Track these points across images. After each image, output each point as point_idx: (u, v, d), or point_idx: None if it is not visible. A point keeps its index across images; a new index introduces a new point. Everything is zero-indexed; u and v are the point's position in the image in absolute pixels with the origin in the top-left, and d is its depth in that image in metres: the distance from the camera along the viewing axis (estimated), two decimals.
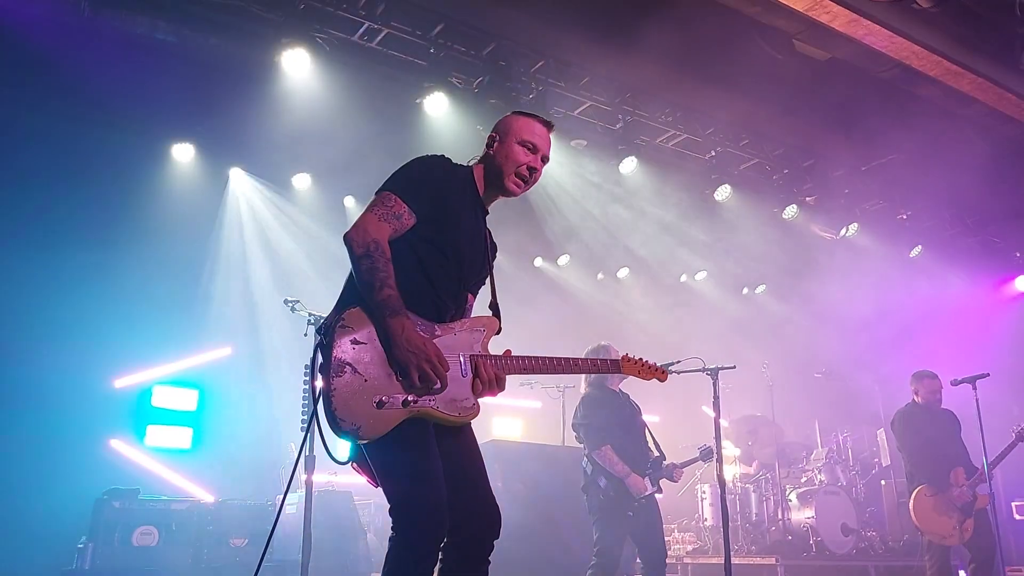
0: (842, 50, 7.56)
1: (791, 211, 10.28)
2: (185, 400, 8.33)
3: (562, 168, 8.97)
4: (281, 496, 3.17)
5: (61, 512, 6.63)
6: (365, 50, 7.19)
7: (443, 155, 2.92)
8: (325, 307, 4.74)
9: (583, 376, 5.96)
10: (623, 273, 11.67)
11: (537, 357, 2.83)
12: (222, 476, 7.81)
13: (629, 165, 9.00)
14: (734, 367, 5.42)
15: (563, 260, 11.15)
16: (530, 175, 2.90)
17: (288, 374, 6.83)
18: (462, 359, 2.67)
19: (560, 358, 2.87)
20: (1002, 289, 11.71)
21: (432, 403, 2.57)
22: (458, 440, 2.71)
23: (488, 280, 2.98)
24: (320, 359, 2.53)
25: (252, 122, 7.27)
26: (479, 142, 8.35)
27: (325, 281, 7.89)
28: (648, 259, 10.95)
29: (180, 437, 8.22)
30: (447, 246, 2.76)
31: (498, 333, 2.82)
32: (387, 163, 8.21)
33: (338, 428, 2.45)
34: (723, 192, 9.80)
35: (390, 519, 2.56)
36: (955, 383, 6.54)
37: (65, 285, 7.29)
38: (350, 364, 2.49)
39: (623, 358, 3.16)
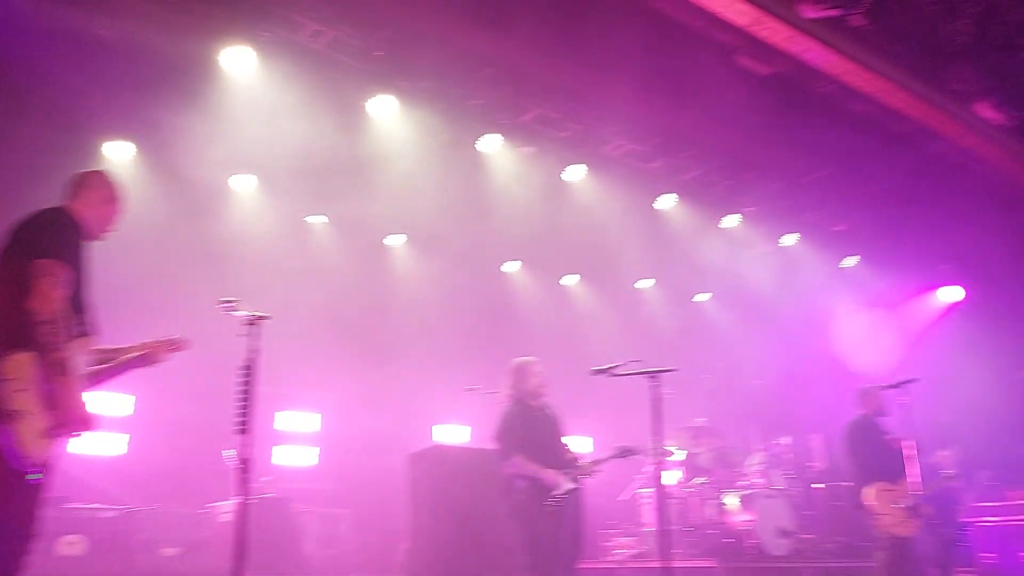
0: (782, 65, 7.75)
1: (733, 221, 10.51)
2: (122, 406, 8.11)
3: (511, 175, 8.99)
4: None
5: None
6: (311, 51, 7.14)
7: (60, 207, 3.50)
8: (263, 307, 4.68)
9: (503, 389, 6.08)
10: (570, 280, 11.76)
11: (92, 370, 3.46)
12: (156, 483, 7.60)
13: (576, 173, 9.10)
14: (675, 370, 5.48)
15: (512, 266, 11.18)
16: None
17: (223, 378, 6.66)
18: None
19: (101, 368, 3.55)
20: (929, 299, 12.14)
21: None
22: None
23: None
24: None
25: (193, 120, 7.12)
26: (426, 146, 8.32)
27: (264, 283, 7.78)
28: (595, 266, 11.05)
29: (115, 443, 8.00)
30: (75, 288, 3.28)
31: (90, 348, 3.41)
32: (333, 164, 8.16)
33: (21, 463, 2.95)
34: (668, 201, 9.98)
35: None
36: (885, 388, 6.85)
37: None
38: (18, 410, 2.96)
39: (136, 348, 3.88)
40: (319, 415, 9.94)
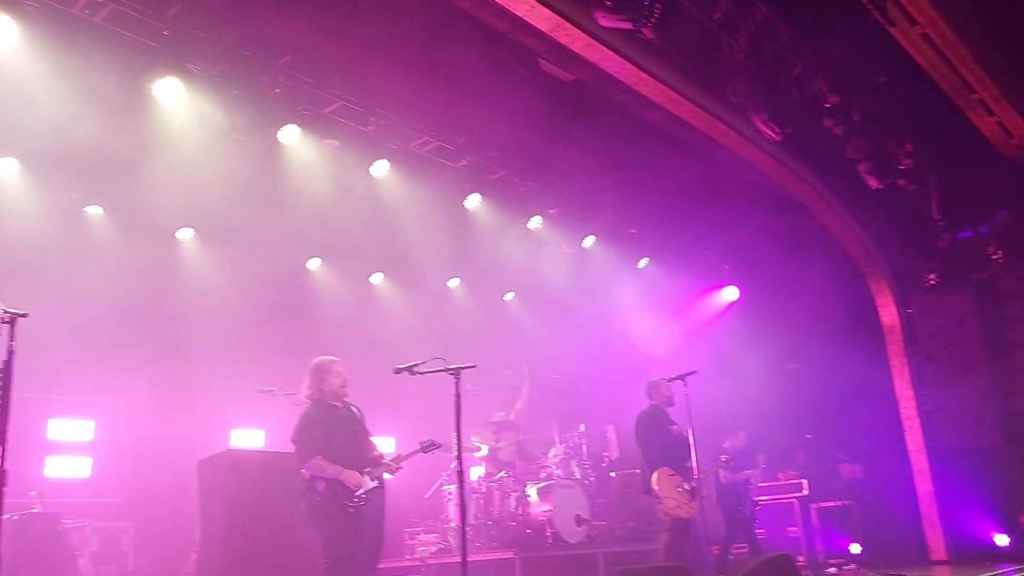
0: (583, 72, 8.03)
1: (535, 222, 10.81)
2: None
3: (313, 168, 8.70)
4: None
5: None
6: (88, 25, 6.52)
7: None
8: (31, 305, 4.22)
9: (303, 389, 5.88)
10: (376, 278, 11.59)
11: None
12: None
13: (381, 168, 8.97)
14: (475, 366, 5.55)
15: (313, 263, 10.85)
16: None
17: None
18: None
19: None
20: (712, 297, 13.15)
21: None
22: None
23: None
24: None
25: None
26: (220, 134, 7.85)
27: (33, 279, 7.05)
28: (401, 264, 10.95)
29: None
30: None
31: None
32: (112, 151, 7.51)
33: None
34: (473, 200, 10.09)
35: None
36: (671, 380, 7.35)
37: None
38: None
39: None
40: (92, 423, 9.14)
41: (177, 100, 7.13)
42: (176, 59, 6.92)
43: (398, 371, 5.88)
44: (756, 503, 9.05)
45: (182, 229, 9.46)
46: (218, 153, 7.68)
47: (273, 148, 8.19)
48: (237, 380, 8.88)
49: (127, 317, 8.62)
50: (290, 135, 8.03)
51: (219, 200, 8.27)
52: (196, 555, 7.25)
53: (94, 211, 8.73)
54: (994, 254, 10.47)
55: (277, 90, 7.62)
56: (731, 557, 8.60)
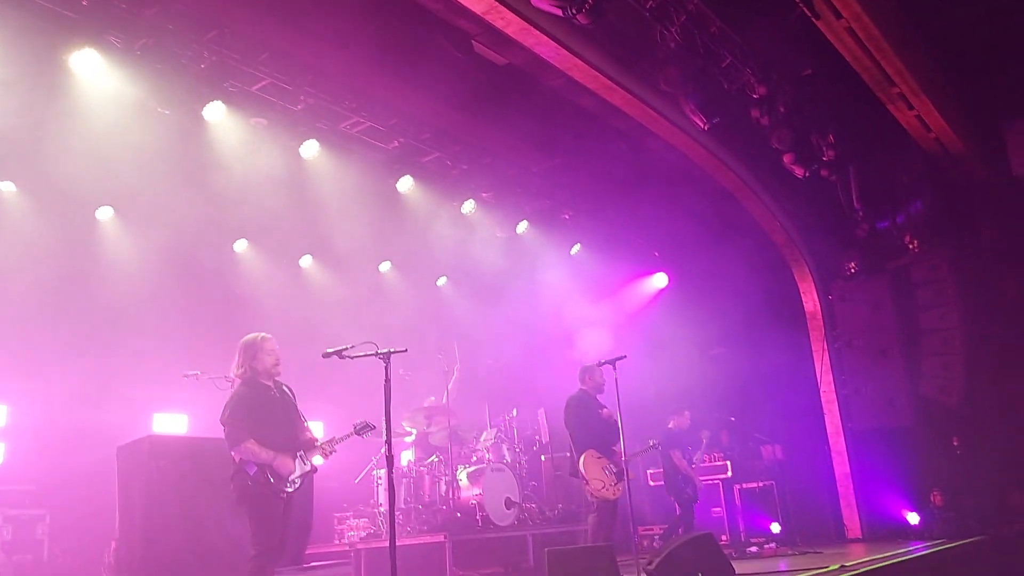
0: (517, 57, 8.02)
1: (468, 206, 10.77)
2: None
3: (241, 147, 8.46)
4: None
5: None
6: None
7: None
8: None
9: (233, 369, 5.69)
10: (305, 260, 11.38)
11: None
12: None
13: (310, 149, 8.80)
14: (405, 350, 5.49)
15: (240, 245, 10.59)
16: None
17: None
18: None
19: None
20: (643, 283, 13.36)
21: None
22: None
23: None
24: None
25: None
26: (143, 111, 7.60)
27: None
28: (331, 247, 10.78)
29: None
30: None
31: None
32: (25, 124, 7.18)
33: None
34: (405, 183, 9.98)
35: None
36: (602, 365, 7.45)
37: None
38: None
39: None
40: (5, 407, 8.78)
41: (96, 74, 6.84)
42: (95, 31, 6.63)
43: (327, 355, 5.77)
44: (699, 484, 9.28)
45: (102, 207, 9.12)
46: (140, 130, 7.42)
47: (198, 126, 7.94)
48: (160, 363, 8.63)
49: (44, 298, 8.29)
50: (215, 112, 7.79)
51: (140, 178, 8.00)
52: (115, 544, 7.05)
53: (5, 187, 8.34)
54: (910, 243, 10.88)
55: (203, 66, 7.38)
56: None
